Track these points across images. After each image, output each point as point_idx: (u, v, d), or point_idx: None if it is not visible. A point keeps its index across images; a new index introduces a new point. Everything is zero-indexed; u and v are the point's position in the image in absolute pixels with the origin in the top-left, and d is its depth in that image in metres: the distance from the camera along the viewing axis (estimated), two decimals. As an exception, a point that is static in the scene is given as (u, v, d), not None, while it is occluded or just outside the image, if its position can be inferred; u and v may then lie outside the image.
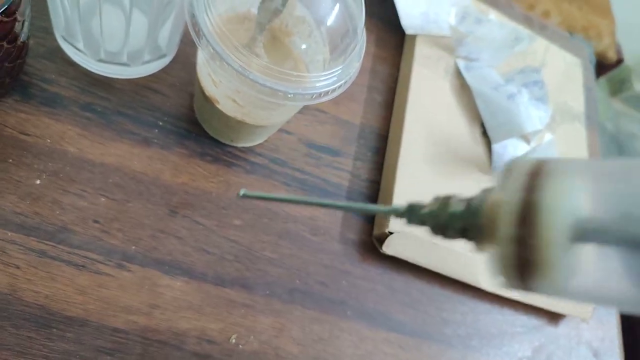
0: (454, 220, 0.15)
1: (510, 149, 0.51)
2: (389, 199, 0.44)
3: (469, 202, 0.16)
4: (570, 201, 0.12)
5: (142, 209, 0.38)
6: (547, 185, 0.12)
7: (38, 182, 0.36)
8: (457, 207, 0.16)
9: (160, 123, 0.41)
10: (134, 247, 0.36)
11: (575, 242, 0.12)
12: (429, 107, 0.50)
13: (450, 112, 0.51)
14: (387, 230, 0.42)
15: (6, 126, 0.36)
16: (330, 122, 0.47)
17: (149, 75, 0.42)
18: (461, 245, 0.44)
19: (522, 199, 0.12)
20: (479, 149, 0.51)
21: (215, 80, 0.34)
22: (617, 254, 0.12)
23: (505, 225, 0.12)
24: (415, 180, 0.45)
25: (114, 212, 0.37)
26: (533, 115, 0.52)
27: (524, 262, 0.12)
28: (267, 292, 0.39)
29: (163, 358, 0.35)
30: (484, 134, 0.51)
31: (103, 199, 0.37)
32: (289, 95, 0.31)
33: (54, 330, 0.33)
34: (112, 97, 0.40)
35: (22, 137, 0.37)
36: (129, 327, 0.34)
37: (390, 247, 0.42)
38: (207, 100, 0.37)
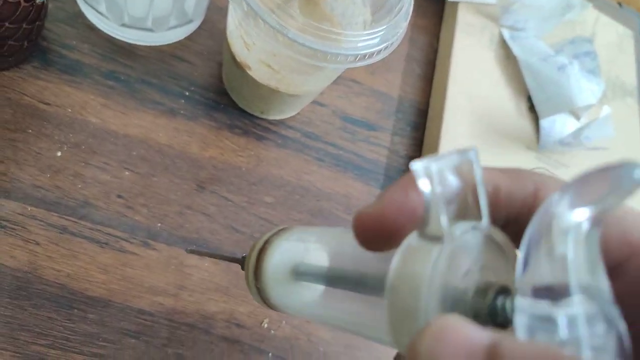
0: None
1: (559, 124, 0.47)
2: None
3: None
4: (274, 258, 0.20)
5: (167, 184, 0.35)
6: (267, 250, 0.20)
7: (59, 154, 0.34)
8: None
9: (187, 93, 0.38)
10: (159, 224, 0.34)
11: (293, 279, 0.19)
12: (472, 80, 0.46)
13: (495, 85, 0.47)
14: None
15: (25, 94, 0.34)
16: (366, 94, 0.44)
17: (175, 43, 0.39)
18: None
19: (259, 250, 0.20)
20: (526, 124, 0.47)
21: (248, 43, 0.31)
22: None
23: (249, 278, 0.21)
24: (458, 157, 0.42)
25: (139, 186, 0.35)
26: (585, 88, 0.48)
27: (263, 298, 0.21)
28: (300, 274, 0.37)
29: (191, 342, 0.32)
30: (531, 108, 0.48)
31: (127, 173, 0.35)
32: (329, 56, 0.28)
33: (76, 310, 0.31)
34: (136, 65, 0.37)
35: (42, 106, 0.34)
36: (154, 309, 0.32)
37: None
38: (238, 67, 0.34)
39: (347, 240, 0.18)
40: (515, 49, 0.48)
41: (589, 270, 0.11)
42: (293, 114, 0.40)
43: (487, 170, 0.15)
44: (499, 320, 0.12)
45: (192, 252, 0.28)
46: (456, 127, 0.43)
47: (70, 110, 0.35)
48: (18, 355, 0.29)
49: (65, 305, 0.31)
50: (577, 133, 0.46)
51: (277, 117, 0.40)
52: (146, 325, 0.32)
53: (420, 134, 0.45)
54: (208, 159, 0.37)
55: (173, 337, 0.32)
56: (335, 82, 0.43)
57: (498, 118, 0.46)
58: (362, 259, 0.17)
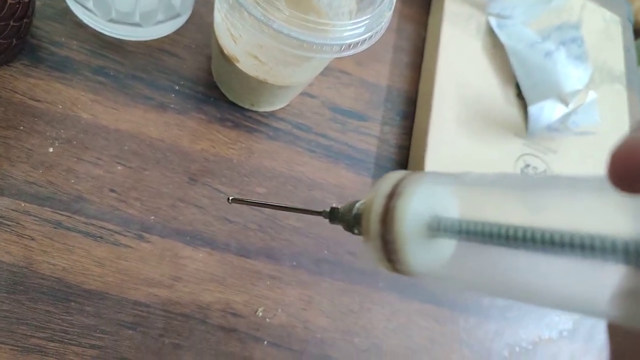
0: (351, 220, 0.18)
1: (547, 110, 0.48)
2: (420, 165, 0.41)
3: (357, 205, 0.18)
4: (419, 203, 0.15)
5: (160, 177, 0.36)
6: (403, 191, 0.15)
7: (51, 150, 0.34)
8: (354, 210, 0.19)
9: (177, 87, 0.38)
10: (152, 217, 0.35)
11: (430, 236, 0.14)
12: (460, 68, 0.47)
13: (483, 72, 0.48)
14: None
15: (16, 92, 0.34)
16: (355, 85, 0.44)
17: (163, 37, 0.39)
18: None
19: (384, 203, 0.15)
20: (514, 111, 0.47)
21: (234, 36, 0.31)
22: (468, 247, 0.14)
23: (373, 224, 0.15)
24: (448, 145, 0.43)
25: (131, 180, 0.35)
26: (572, 74, 0.48)
27: (388, 253, 0.15)
28: (294, 262, 0.37)
29: (187, 332, 0.33)
30: (519, 95, 0.48)
31: (119, 167, 0.35)
32: (315, 47, 0.28)
33: (73, 303, 0.31)
34: (125, 61, 0.38)
35: (33, 103, 0.35)
36: (150, 300, 0.33)
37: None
38: (226, 60, 0.34)
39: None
40: (502, 37, 0.49)
41: None
42: (283, 105, 0.40)
43: None
44: None
45: (235, 201, 0.24)
46: (445, 115, 0.44)
47: (61, 106, 0.35)
48: (17, 348, 0.29)
49: (62, 298, 0.31)
50: (565, 118, 0.47)
51: (267, 109, 0.40)
52: (142, 316, 0.32)
53: (409, 122, 0.45)
54: (199, 152, 0.37)
55: (169, 328, 0.33)
56: (324, 73, 0.43)
57: (486, 105, 0.46)
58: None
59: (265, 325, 0.35)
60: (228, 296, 0.35)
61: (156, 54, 0.39)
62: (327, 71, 0.43)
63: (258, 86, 0.35)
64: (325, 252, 0.38)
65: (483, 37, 0.49)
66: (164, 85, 0.38)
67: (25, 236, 0.32)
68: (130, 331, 0.32)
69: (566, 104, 0.49)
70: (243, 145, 0.39)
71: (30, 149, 0.34)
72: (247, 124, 0.39)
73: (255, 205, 0.27)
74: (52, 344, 0.30)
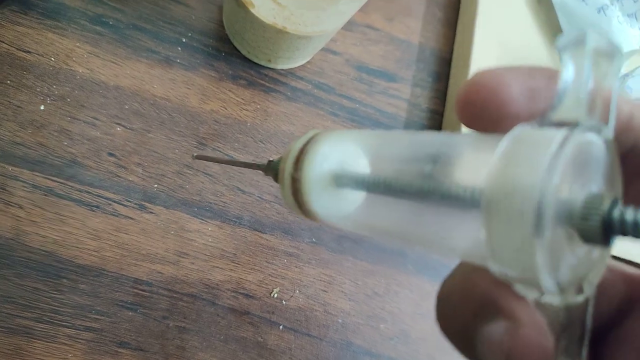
0: (275, 168, 0.18)
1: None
2: (456, 132, 0.37)
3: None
4: (324, 155, 0.16)
5: (164, 141, 0.32)
6: (317, 140, 0.16)
7: (42, 107, 0.30)
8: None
9: (184, 40, 0.34)
10: (156, 185, 0.31)
11: (335, 185, 0.16)
12: (501, 24, 0.41)
13: (527, 29, 0.43)
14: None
15: (2, 42, 0.30)
16: (384, 41, 0.39)
17: (169, -17, 0.35)
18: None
19: (298, 150, 0.16)
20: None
21: (249, -26, 0.27)
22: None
23: (287, 168, 0.16)
24: (487, 110, 0.38)
25: (132, 144, 0.31)
26: (627, 32, 0.43)
27: (298, 197, 0.16)
28: (313, 239, 0.33)
29: (194, 314, 0.29)
30: (567, 56, 0.43)
31: (119, 129, 0.31)
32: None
33: (65, 280, 0.28)
34: (127, 9, 0.33)
35: (22, 54, 0.31)
36: (153, 279, 0.29)
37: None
38: (240, 5, 0.30)
39: (407, 142, 0.15)
40: (549, -10, 0.43)
41: None
42: (303, 62, 0.36)
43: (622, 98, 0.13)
44: (611, 231, 0.10)
45: (199, 157, 0.25)
46: (484, 77, 0.39)
47: (53, 59, 0.31)
48: (1, 329, 0.26)
49: (52, 274, 0.28)
50: (619, 81, 0.42)
51: (286, 66, 0.35)
52: (144, 296, 0.29)
53: (443, 85, 0.40)
54: (209, 113, 0.33)
55: (174, 309, 0.29)
56: (349, 28, 0.38)
57: (530, 67, 0.41)
58: (426, 164, 0.13)
59: (281, 308, 0.31)
60: (240, 275, 0.31)
61: (161, 2, 0.34)
62: (352, 26, 0.39)
63: (276, 36, 0.30)
64: (349, 227, 0.34)
65: (527, -9, 0.44)
66: (170, 38, 0.34)
67: (12, 204, 0.28)
68: (130, 312, 0.28)
69: (618, 67, 0.44)
70: (258, 106, 0.34)
71: (18, 106, 0.30)
72: (263, 82, 0.35)
73: (216, 162, 0.26)
74: (41, 325, 0.27)
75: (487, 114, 0.12)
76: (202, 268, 0.30)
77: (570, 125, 0.11)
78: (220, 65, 0.34)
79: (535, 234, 0.10)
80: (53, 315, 0.27)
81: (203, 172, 0.32)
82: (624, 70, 0.44)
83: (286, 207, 0.18)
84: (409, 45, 0.40)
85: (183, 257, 0.30)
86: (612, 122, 0.12)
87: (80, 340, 0.27)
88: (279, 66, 0.35)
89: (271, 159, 0.20)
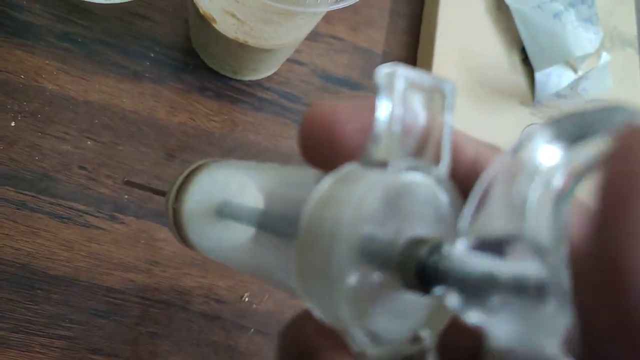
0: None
1: (555, 77, 0.44)
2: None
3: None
4: (206, 183, 0.16)
5: (134, 153, 0.33)
6: (193, 177, 0.16)
7: (12, 124, 0.31)
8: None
9: (152, 54, 0.35)
10: (126, 196, 0.32)
11: (217, 217, 0.16)
12: (461, 32, 0.43)
13: (486, 36, 0.44)
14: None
15: (-28, 60, 0.31)
16: (349, 51, 0.41)
17: (135, 0, 0.36)
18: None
19: (180, 182, 0.17)
20: (520, 77, 0.44)
21: (209, -9, 0.28)
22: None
23: (169, 199, 0.17)
24: (448, 114, 0.39)
25: (102, 156, 0.32)
26: (582, 37, 0.45)
27: (176, 222, 0.17)
28: (283, 244, 0.34)
29: (166, 320, 0.30)
30: (525, 60, 0.45)
31: (89, 142, 0.32)
32: None
33: (38, 291, 0.28)
34: (94, 25, 0.34)
35: (-9, 72, 0.31)
36: (125, 287, 0.30)
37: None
38: (203, 20, 0.31)
39: (280, 177, 0.16)
40: (507, -2, 0.45)
41: (551, 236, 0.08)
42: (269, 73, 0.37)
43: (470, 138, 0.12)
44: (427, 279, 0.09)
45: (127, 183, 0.27)
46: (445, 83, 0.40)
47: (23, 76, 0.32)
48: (-24, 341, 0.27)
49: (26, 285, 0.28)
50: (574, 85, 0.44)
51: (252, 78, 0.37)
52: (116, 304, 0.30)
53: (407, 92, 0.42)
54: (177, 125, 0.34)
55: (146, 316, 0.30)
56: (314, 39, 0.40)
57: (490, 72, 0.43)
58: (293, 199, 0.13)
59: (251, 312, 0.32)
60: (211, 281, 0.32)
61: (128, 17, 0.35)
62: (317, 37, 0.40)
63: (239, 50, 0.32)
64: (317, 231, 0.35)
65: (486, -1, 0.46)
66: (138, 52, 0.35)
67: (-15, 218, 0.29)
68: (103, 320, 0.29)
69: (575, 70, 0.46)
70: (225, 117, 0.36)
71: (-11, 123, 0.30)
72: (230, 93, 0.36)
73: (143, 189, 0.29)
74: (16, 335, 0.27)
75: (322, 150, 0.12)
76: (173, 275, 0.31)
77: (383, 165, 0.10)
78: (188, 77, 0.35)
79: (335, 279, 0.09)
80: (28, 325, 0.28)
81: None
82: (580, 73, 0.46)
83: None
84: (373, 54, 0.42)
85: (154, 265, 0.31)
86: (445, 160, 0.11)
87: (54, 349, 0.28)
88: (245, 77, 0.36)
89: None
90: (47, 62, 0.33)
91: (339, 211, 0.10)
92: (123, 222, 0.31)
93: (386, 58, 0.42)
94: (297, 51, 0.39)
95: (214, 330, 0.31)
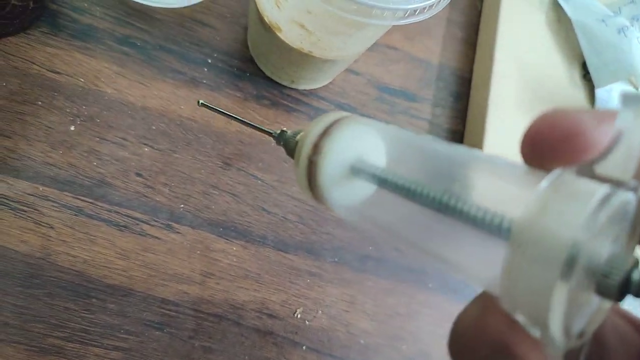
0: (291, 146, 0.18)
1: (616, 94, 0.43)
2: (484, 152, 0.37)
3: (300, 134, 0.18)
4: (344, 144, 0.16)
5: (191, 161, 0.32)
6: (336, 128, 0.16)
7: (72, 128, 0.31)
8: (296, 137, 0.19)
9: (210, 60, 0.34)
10: (182, 205, 0.31)
11: (351, 174, 0.16)
12: (520, 45, 0.42)
13: (547, 50, 0.43)
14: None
15: (33, 63, 0.31)
16: (404, 61, 0.40)
17: (195, 5, 0.35)
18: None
19: (316, 138, 0.16)
20: (580, 93, 0.42)
21: (279, 0, 0.27)
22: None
23: (303, 155, 0.16)
24: (507, 131, 0.38)
25: (159, 164, 0.31)
26: (647, 53, 0.43)
27: (311, 181, 0.16)
28: (336, 259, 0.33)
29: (219, 334, 0.30)
30: (586, 76, 0.43)
31: (146, 149, 0.31)
32: (375, 11, 0.24)
33: (94, 300, 0.28)
34: (153, 30, 0.34)
35: (52, 75, 0.31)
36: (179, 299, 0.29)
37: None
38: (267, 29, 0.30)
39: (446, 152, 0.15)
40: (569, 10, 0.44)
41: None
42: (325, 83, 0.36)
43: None
44: (629, 291, 0.10)
45: (204, 105, 0.25)
46: (504, 97, 0.39)
47: (82, 80, 0.32)
48: (33, 349, 0.27)
49: (82, 294, 0.28)
50: None
51: (308, 87, 0.36)
52: (170, 316, 0.29)
53: (463, 104, 0.41)
54: (234, 134, 0.33)
55: (200, 329, 0.29)
56: (369, 48, 0.39)
57: (549, 87, 0.42)
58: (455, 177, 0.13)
59: (304, 328, 0.31)
60: (264, 295, 0.31)
61: (187, 23, 0.35)
62: (373, 46, 0.39)
63: (301, 60, 0.31)
64: (370, 247, 0.34)
65: (547, 11, 0.44)
66: (196, 58, 0.34)
67: (43, 224, 0.29)
68: (158, 332, 0.29)
69: (636, 87, 0.44)
70: (281, 126, 0.35)
71: (49, 127, 0.30)
72: (286, 102, 0.35)
73: (220, 114, 0.26)
74: (71, 345, 0.27)
75: (558, 155, 0.12)
76: (227, 288, 0.30)
77: (614, 183, 0.11)
78: (245, 85, 0.35)
79: (560, 282, 0.10)
80: (83, 334, 0.27)
81: (228, 193, 0.32)
82: (642, 90, 0.44)
83: (298, 186, 0.18)
84: (429, 65, 0.41)
85: (208, 277, 0.30)
86: None
87: (109, 360, 0.27)
88: (302, 87, 0.36)
89: (284, 128, 0.20)
90: (106, 65, 0.32)
91: (566, 223, 0.10)
92: (179, 232, 0.31)
93: (442, 69, 0.41)
94: (353, 61, 0.38)
95: (267, 346, 0.30)
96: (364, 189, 0.16)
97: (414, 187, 0.14)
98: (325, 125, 0.16)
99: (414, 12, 0.25)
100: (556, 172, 0.11)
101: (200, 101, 0.26)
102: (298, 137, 0.18)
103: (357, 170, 0.15)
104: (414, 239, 0.15)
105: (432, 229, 0.14)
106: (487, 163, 0.14)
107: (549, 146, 0.12)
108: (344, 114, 0.17)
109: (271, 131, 0.21)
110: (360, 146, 0.16)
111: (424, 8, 0.25)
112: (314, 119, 0.17)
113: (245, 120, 0.24)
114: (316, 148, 0.16)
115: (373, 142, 0.16)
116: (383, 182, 0.15)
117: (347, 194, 0.16)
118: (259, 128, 0.23)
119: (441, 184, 0.13)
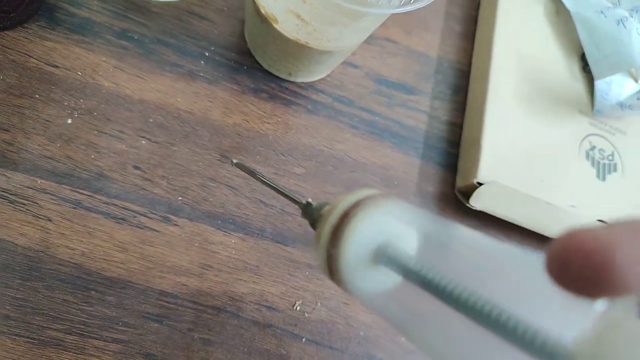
0: (314, 220, 0.18)
1: (616, 86, 0.43)
2: (475, 144, 0.37)
3: (325, 208, 0.18)
4: (369, 228, 0.15)
5: (188, 154, 0.32)
6: (357, 214, 0.15)
7: (69, 121, 0.31)
8: (321, 211, 0.18)
9: (207, 54, 0.34)
10: (180, 197, 0.31)
11: (373, 261, 0.15)
12: (519, 37, 0.42)
13: (545, 42, 0.43)
14: (475, 181, 0.35)
15: (31, 57, 0.31)
16: (402, 54, 0.40)
17: (192, -2, 0.35)
18: (564, 202, 0.37)
19: (338, 218, 0.15)
20: (579, 86, 0.42)
21: (274, -9, 0.27)
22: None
23: (324, 235, 0.16)
24: (506, 124, 0.38)
25: (157, 157, 0.31)
26: (646, 45, 0.43)
27: (330, 265, 0.16)
28: (335, 251, 0.33)
29: (218, 327, 0.30)
30: (585, 68, 0.43)
31: (144, 142, 0.31)
32: (370, 0, 0.24)
33: (93, 292, 0.28)
34: (151, 24, 0.34)
35: (49, 69, 0.31)
36: (178, 291, 0.29)
37: (479, 201, 0.35)
38: (263, 20, 0.30)
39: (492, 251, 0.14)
40: (567, 2, 0.43)
41: None
42: (323, 75, 0.36)
43: None
44: None
45: (238, 165, 0.25)
46: (502, 90, 0.39)
47: (80, 73, 0.32)
48: (33, 341, 0.27)
49: (81, 286, 0.28)
50: (637, 95, 0.42)
51: (306, 80, 0.36)
52: (169, 308, 0.29)
53: (462, 97, 0.41)
54: (232, 126, 0.33)
55: (199, 321, 0.29)
56: (367, 41, 0.39)
57: (548, 79, 0.41)
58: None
59: (303, 321, 0.31)
60: (263, 287, 0.31)
61: (184, 16, 0.35)
62: (371, 39, 0.39)
63: (298, 51, 0.31)
64: (370, 239, 0.34)
65: (545, 2, 0.44)
66: (193, 52, 0.34)
67: (42, 217, 0.29)
68: (156, 324, 0.29)
69: (636, 79, 0.44)
70: (279, 119, 0.35)
71: (47, 120, 0.30)
72: (284, 95, 0.35)
73: (252, 176, 0.26)
74: (71, 337, 0.27)
75: (587, 279, 0.11)
76: (226, 280, 0.30)
77: None
78: (242, 78, 0.35)
79: None
80: (82, 327, 0.27)
81: (226, 185, 0.32)
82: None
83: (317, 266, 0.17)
84: (427, 58, 0.41)
85: (207, 270, 0.30)
86: None
87: (108, 352, 0.27)
88: (299, 79, 0.36)
89: (310, 200, 0.20)
90: (104, 59, 0.32)
91: None
92: (176, 225, 0.31)
93: (440, 62, 0.41)
94: (351, 53, 0.38)
95: (266, 338, 0.30)
96: (389, 277, 0.15)
97: (451, 290, 0.12)
98: (345, 206, 0.16)
99: (409, 0, 0.25)
100: (608, 309, 0.11)
101: (234, 160, 0.27)
102: (323, 210, 0.18)
103: (380, 258, 0.15)
104: (434, 342, 0.14)
105: (458, 334, 0.13)
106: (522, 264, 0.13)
107: (578, 270, 0.11)
108: (373, 192, 0.16)
109: (297, 200, 0.21)
110: (383, 233, 0.15)
111: (421, -3, 0.25)
112: (343, 195, 0.16)
113: (278, 187, 0.24)
114: (334, 235, 0.15)
115: (400, 228, 0.15)
116: (411, 274, 0.14)
117: (370, 282, 0.15)
118: (288, 196, 0.23)
119: (479, 292, 0.12)
